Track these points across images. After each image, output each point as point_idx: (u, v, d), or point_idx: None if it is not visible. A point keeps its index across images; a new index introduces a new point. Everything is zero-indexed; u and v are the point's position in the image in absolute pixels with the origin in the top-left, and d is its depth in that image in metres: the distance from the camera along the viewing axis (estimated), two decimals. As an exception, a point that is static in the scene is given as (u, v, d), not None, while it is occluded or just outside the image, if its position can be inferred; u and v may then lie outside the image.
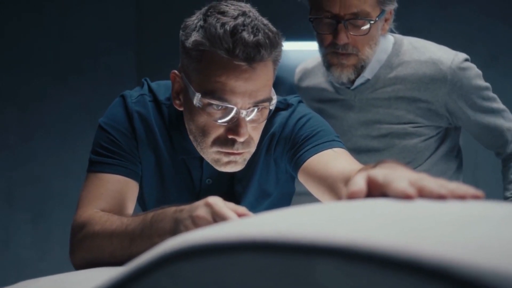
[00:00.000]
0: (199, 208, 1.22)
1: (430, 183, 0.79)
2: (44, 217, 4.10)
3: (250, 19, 1.38)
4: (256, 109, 1.44)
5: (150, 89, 1.63)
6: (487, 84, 2.05)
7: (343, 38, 1.88)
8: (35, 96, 4.11)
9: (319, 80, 2.14)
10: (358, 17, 1.86)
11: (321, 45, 1.95)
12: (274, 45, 1.40)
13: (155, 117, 1.60)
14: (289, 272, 0.64)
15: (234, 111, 1.41)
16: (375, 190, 0.85)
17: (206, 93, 1.41)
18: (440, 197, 0.77)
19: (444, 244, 0.59)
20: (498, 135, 2.07)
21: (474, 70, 2.03)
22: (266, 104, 1.45)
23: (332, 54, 1.93)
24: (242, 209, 1.19)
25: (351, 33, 1.88)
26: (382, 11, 1.91)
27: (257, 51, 1.37)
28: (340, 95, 2.07)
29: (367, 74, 2.00)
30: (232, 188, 1.63)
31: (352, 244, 0.61)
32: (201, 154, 1.51)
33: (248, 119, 1.43)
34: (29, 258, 4.05)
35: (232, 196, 1.62)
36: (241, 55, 1.36)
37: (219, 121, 1.43)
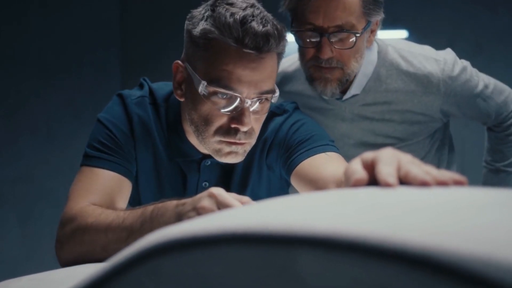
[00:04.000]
0: (203, 199, 1.22)
1: (415, 168, 0.78)
2: (31, 216, 4.07)
3: (259, 11, 1.42)
4: (259, 101, 1.45)
5: (151, 91, 1.63)
6: (477, 80, 2.00)
7: (327, 52, 1.76)
8: (21, 95, 4.08)
9: (303, 86, 2.00)
10: (343, 30, 1.75)
11: (302, 57, 1.85)
12: (281, 37, 1.43)
13: (155, 120, 1.60)
14: (269, 264, 0.63)
15: (238, 100, 1.42)
16: (368, 172, 0.84)
17: (212, 81, 1.42)
18: (424, 183, 0.76)
19: (426, 231, 0.58)
20: (485, 115, 2.06)
21: (464, 74, 1.96)
22: (269, 95, 1.46)
23: (314, 68, 1.82)
24: (246, 198, 1.20)
25: (335, 46, 1.76)
26: (368, 23, 1.80)
27: (266, 40, 1.39)
28: (329, 105, 1.99)
29: (354, 89, 1.92)
30: (229, 191, 1.63)
31: (333, 234, 0.59)
32: (203, 144, 1.51)
33: (251, 109, 1.44)
34: (16, 257, 4.03)
35: None
36: (250, 44, 1.38)
37: (223, 110, 1.43)
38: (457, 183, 0.78)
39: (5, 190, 4.03)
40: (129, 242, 1.30)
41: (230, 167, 1.59)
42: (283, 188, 1.71)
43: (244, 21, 1.38)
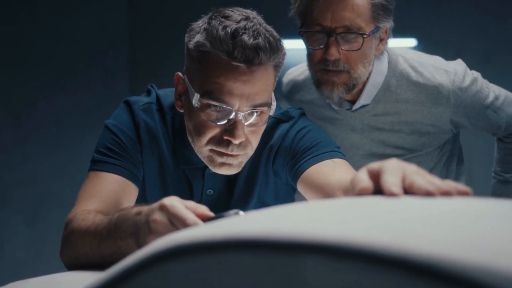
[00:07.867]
0: (155, 212, 1.17)
1: (420, 179, 0.80)
2: (39, 218, 4.09)
3: (252, 23, 1.40)
4: (255, 113, 1.44)
5: (158, 98, 1.64)
6: (487, 91, 1.98)
7: (333, 53, 1.76)
8: (29, 97, 4.09)
9: (313, 96, 2.00)
10: (350, 30, 1.75)
11: (311, 62, 1.84)
12: (274, 50, 1.41)
13: (161, 127, 1.61)
14: (276, 270, 0.64)
15: (231, 113, 1.42)
16: (374, 181, 0.86)
17: (204, 94, 1.42)
18: (428, 193, 0.77)
19: (428, 240, 0.59)
20: (495, 126, 2.05)
21: (474, 85, 1.94)
22: (264, 108, 1.45)
23: (322, 71, 1.81)
24: (202, 208, 1.14)
25: (342, 48, 1.77)
26: (377, 28, 1.81)
27: (256, 54, 1.38)
28: (339, 115, 1.98)
29: (364, 99, 1.92)
30: (233, 199, 1.63)
31: (339, 241, 0.61)
32: (197, 153, 1.51)
33: (246, 123, 1.44)
34: (24, 259, 4.04)
35: (233, 207, 1.61)
36: (240, 57, 1.38)
37: (217, 122, 1.44)
38: (462, 193, 0.79)
39: (13, 192, 4.05)
40: (101, 249, 1.31)
41: (234, 174, 1.58)
42: (290, 194, 1.71)
43: (235, 34, 1.37)
